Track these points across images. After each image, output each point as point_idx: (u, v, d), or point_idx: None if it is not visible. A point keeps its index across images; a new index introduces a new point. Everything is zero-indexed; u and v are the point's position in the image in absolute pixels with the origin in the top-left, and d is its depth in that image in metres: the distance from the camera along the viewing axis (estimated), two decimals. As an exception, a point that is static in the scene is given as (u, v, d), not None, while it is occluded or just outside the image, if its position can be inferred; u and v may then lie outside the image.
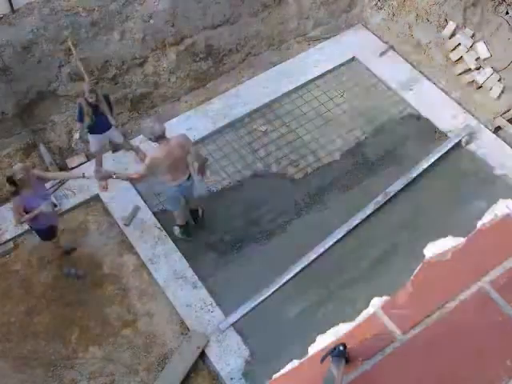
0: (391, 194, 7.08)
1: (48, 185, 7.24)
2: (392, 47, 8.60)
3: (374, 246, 6.83)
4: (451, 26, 8.04)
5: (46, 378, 6.03)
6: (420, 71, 8.40)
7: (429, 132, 7.79)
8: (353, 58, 8.63)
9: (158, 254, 6.76)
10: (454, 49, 8.05)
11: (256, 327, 6.31)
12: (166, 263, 6.69)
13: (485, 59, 7.78)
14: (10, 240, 6.83)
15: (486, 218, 1.78)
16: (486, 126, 7.72)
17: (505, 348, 1.53)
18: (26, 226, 6.75)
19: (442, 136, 7.69)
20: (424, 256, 1.75)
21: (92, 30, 7.29)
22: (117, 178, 6.18)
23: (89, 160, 7.56)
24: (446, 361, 1.54)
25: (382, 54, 8.54)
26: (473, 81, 7.90)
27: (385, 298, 1.68)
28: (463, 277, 1.66)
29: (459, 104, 7.98)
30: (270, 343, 6.17)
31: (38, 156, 7.36)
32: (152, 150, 6.37)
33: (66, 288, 6.59)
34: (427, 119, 7.89)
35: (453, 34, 8.06)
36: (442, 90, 8.16)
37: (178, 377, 5.90)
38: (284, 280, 6.54)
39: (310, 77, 8.40)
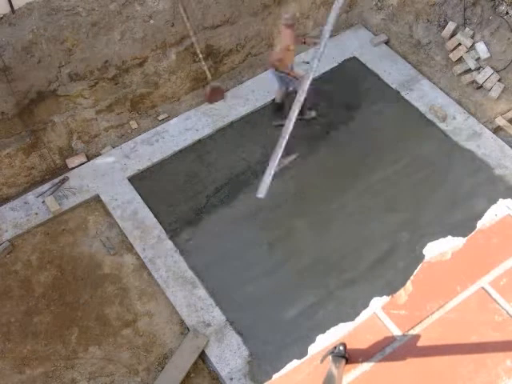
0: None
1: (47, 185, 7.25)
2: (386, 42, 8.71)
3: (374, 246, 6.83)
4: (451, 25, 8.04)
5: (46, 378, 6.03)
6: (420, 71, 8.41)
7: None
8: (353, 58, 8.64)
9: (158, 254, 6.76)
10: (454, 49, 8.05)
11: (256, 327, 6.31)
12: (165, 263, 6.70)
13: (485, 59, 7.78)
14: (9, 240, 6.83)
15: (486, 218, 1.78)
16: (486, 126, 7.73)
17: (505, 348, 1.53)
18: (26, 227, 6.84)
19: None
20: (424, 256, 1.75)
21: (92, 29, 7.28)
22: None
23: (89, 160, 7.57)
24: (445, 361, 1.54)
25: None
26: (473, 81, 7.90)
27: (385, 297, 1.68)
28: (463, 277, 1.66)
29: (459, 104, 7.99)
30: (270, 343, 6.17)
31: (38, 156, 7.37)
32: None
33: (65, 288, 6.59)
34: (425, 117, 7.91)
35: (453, 34, 8.05)
36: (442, 89, 8.16)
37: (178, 377, 5.91)
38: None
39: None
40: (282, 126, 7.73)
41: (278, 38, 7.70)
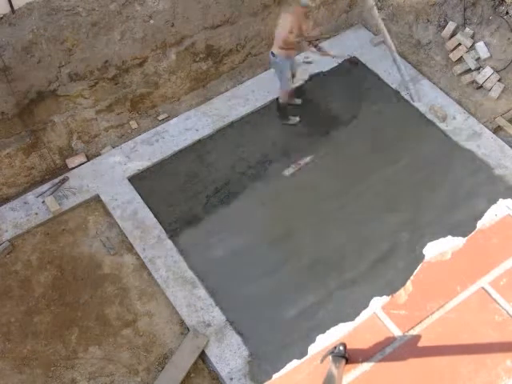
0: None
1: (47, 185, 7.25)
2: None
3: (374, 246, 6.83)
4: (451, 25, 8.04)
5: (46, 378, 6.03)
6: (420, 71, 8.40)
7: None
8: (353, 58, 8.63)
9: (158, 254, 6.76)
10: (454, 49, 8.05)
11: (256, 327, 6.31)
12: (165, 263, 6.69)
13: (485, 59, 7.78)
14: (9, 240, 6.83)
15: (486, 218, 1.78)
16: (486, 126, 7.73)
17: (505, 348, 1.53)
18: (26, 227, 6.84)
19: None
20: (424, 256, 1.75)
21: (92, 29, 7.28)
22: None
23: (89, 160, 7.57)
24: (445, 361, 1.54)
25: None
26: (473, 81, 7.90)
27: (385, 297, 1.68)
28: (463, 277, 1.66)
29: (459, 104, 7.99)
30: (270, 343, 6.17)
31: (38, 156, 7.37)
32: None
33: (65, 288, 6.59)
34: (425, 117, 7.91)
35: (453, 34, 8.05)
36: (442, 89, 8.16)
37: (178, 377, 5.91)
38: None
39: (310, 76, 8.41)
40: (291, 125, 7.84)
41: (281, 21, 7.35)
